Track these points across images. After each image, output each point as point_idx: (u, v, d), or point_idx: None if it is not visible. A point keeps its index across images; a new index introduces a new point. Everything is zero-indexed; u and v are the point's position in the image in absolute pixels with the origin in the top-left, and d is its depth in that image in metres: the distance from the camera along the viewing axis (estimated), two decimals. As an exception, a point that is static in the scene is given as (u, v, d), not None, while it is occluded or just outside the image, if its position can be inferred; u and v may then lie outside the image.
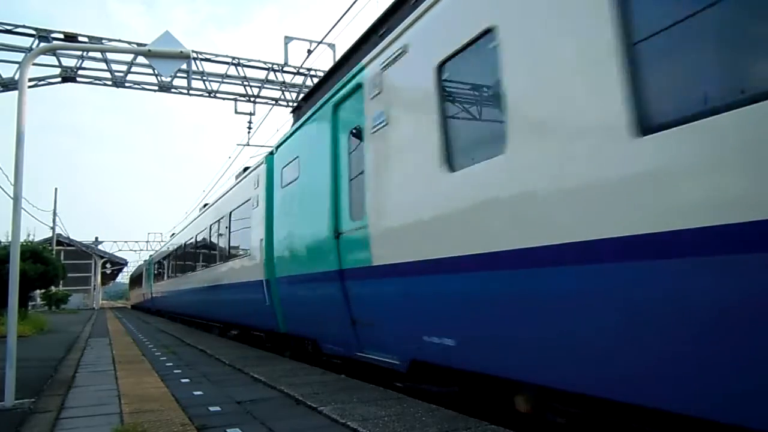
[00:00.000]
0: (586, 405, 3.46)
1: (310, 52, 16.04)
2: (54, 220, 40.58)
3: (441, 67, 4.41)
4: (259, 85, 16.34)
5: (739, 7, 2.49)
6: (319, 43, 15.81)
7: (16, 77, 12.26)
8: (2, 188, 15.45)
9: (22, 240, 8.72)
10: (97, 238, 55.30)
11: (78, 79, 14.10)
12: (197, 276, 15.92)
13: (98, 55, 14.19)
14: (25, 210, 18.97)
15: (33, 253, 19.24)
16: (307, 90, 16.99)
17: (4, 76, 12.86)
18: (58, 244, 41.22)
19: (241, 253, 10.90)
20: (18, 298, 5.52)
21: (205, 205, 15.93)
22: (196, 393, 5.71)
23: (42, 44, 12.73)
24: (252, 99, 16.42)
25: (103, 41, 13.95)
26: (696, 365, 2.53)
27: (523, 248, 3.40)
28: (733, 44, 2.54)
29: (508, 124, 3.59)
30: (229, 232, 11.92)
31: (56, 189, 42.10)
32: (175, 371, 7.54)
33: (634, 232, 2.70)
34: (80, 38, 13.24)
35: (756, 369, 2.30)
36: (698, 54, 2.67)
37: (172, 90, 15.50)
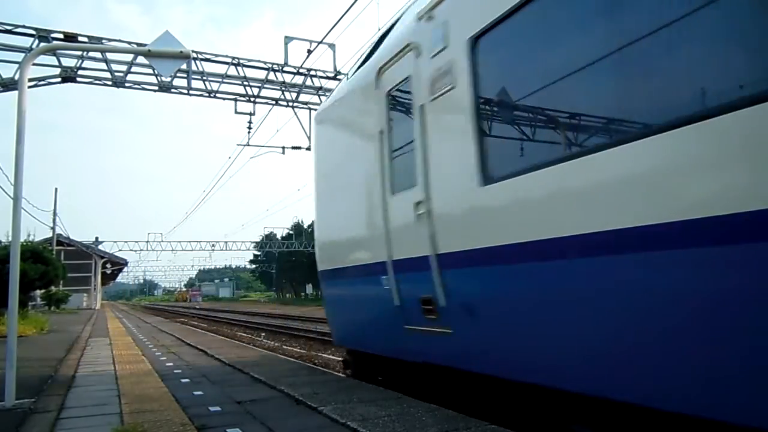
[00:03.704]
0: None
1: (310, 52, 16.03)
2: (54, 220, 40.62)
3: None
4: (259, 85, 16.32)
5: None
6: (319, 43, 15.80)
7: (16, 77, 12.26)
8: (2, 188, 15.45)
9: (22, 240, 8.74)
10: (97, 238, 55.32)
11: (78, 79, 14.07)
12: None
13: (98, 55, 14.16)
14: (25, 210, 18.97)
15: (33, 253, 19.24)
16: (306, 90, 16.97)
17: (4, 76, 12.86)
18: (58, 244, 41.19)
19: None
20: (18, 298, 5.52)
21: None
22: (196, 393, 5.71)
23: (42, 44, 12.71)
24: (252, 99, 16.40)
25: (103, 41, 13.93)
26: None
27: None
28: None
29: None
30: None
31: (56, 189, 42.14)
32: (175, 371, 7.54)
33: None
34: (80, 38, 13.23)
35: None
36: None
37: (172, 90, 15.48)
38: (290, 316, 38.71)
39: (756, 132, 2.34)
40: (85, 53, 13.99)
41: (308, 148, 18.75)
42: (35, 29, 13.13)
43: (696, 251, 2.60)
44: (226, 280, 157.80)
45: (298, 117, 17.78)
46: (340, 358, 11.70)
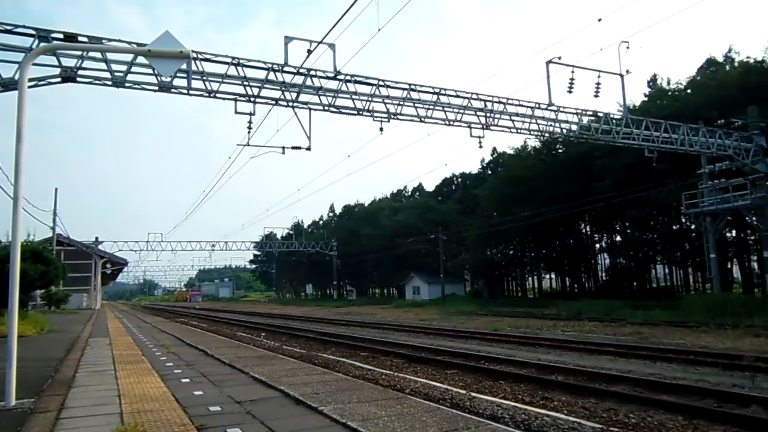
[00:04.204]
0: None
1: (310, 52, 16.01)
2: (54, 220, 40.56)
3: None
4: (259, 85, 16.30)
5: None
6: (319, 43, 15.78)
7: (16, 77, 12.24)
8: (2, 188, 15.42)
9: (22, 240, 8.73)
10: (97, 238, 55.22)
11: (78, 79, 14.04)
12: None
13: (98, 55, 14.14)
14: (25, 210, 18.93)
15: (33, 253, 19.23)
16: (306, 90, 16.98)
17: (4, 76, 12.85)
18: (58, 244, 41.17)
19: None
20: (18, 298, 5.52)
21: None
22: (196, 393, 5.72)
23: (42, 44, 12.68)
24: (252, 99, 16.38)
25: (103, 41, 13.90)
26: None
27: None
28: None
29: None
30: None
31: (56, 189, 42.14)
32: (175, 371, 7.55)
33: None
34: (80, 38, 13.22)
35: None
36: None
37: (172, 90, 15.46)
38: (290, 316, 38.72)
39: None
40: (85, 53, 13.97)
41: (308, 148, 18.75)
42: (35, 29, 13.11)
43: None
44: (226, 280, 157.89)
45: (298, 117, 17.75)
46: (340, 358, 11.67)
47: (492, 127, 19.19)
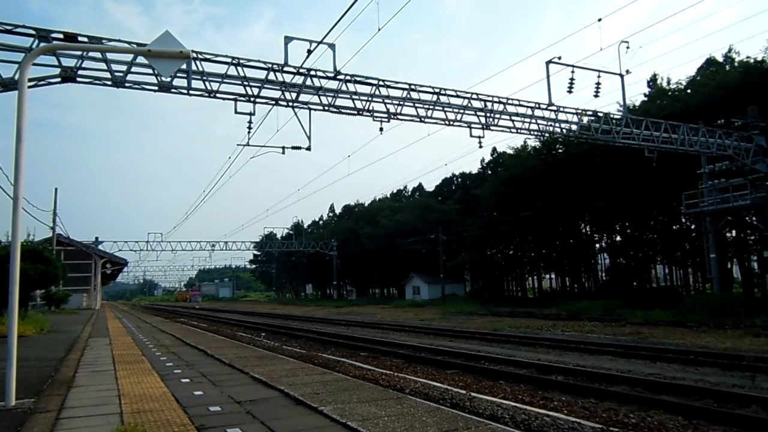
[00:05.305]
0: None
1: (310, 52, 16.00)
2: (54, 220, 40.55)
3: None
4: (259, 85, 16.29)
5: None
6: (319, 43, 15.77)
7: (16, 77, 12.23)
8: (2, 188, 15.43)
9: (22, 240, 8.72)
10: (97, 238, 55.21)
11: (78, 79, 14.02)
12: None
13: (98, 55, 14.13)
14: (25, 210, 18.91)
15: (33, 252, 19.23)
16: (306, 90, 16.98)
17: (4, 76, 12.84)
18: (58, 244, 41.16)
19: None
20: (18, 298, 5.51)
21: None
22: (196, 393, 5.72)
23: (42, 44, 12.67)
24: (252, 99, 16.37)
25: (103, 41, 13.89)
26: None
27: None
28: None
29: None
30: None
31: (56, 189, 42.12)
32: (175, 371, 7.55)
33: None
34: (80, 38, 13.20)
35: None
36: None
37: (172, 90, 15.44)
38: (290, 316, 38.73)
39: None
40: (85, 53, 13.96)
41: (308, 148, 18.75)
42: (35, 29, 13.09)
43: None
44: (226, 280, 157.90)
45: (298, 117, 17.74)
46: (340, 358, 11.68)
47: (492, 127, 19.19)
